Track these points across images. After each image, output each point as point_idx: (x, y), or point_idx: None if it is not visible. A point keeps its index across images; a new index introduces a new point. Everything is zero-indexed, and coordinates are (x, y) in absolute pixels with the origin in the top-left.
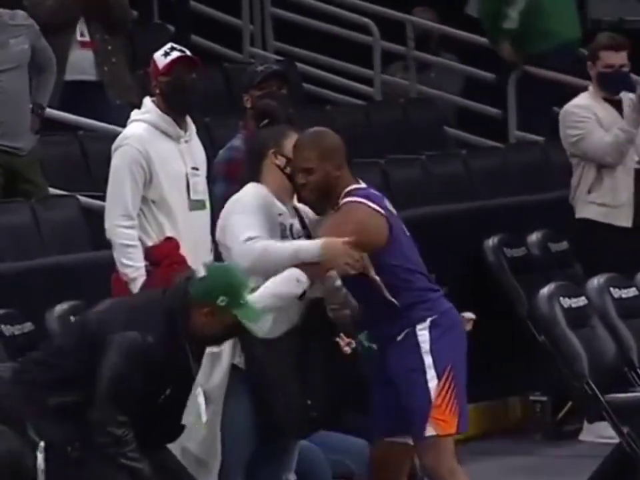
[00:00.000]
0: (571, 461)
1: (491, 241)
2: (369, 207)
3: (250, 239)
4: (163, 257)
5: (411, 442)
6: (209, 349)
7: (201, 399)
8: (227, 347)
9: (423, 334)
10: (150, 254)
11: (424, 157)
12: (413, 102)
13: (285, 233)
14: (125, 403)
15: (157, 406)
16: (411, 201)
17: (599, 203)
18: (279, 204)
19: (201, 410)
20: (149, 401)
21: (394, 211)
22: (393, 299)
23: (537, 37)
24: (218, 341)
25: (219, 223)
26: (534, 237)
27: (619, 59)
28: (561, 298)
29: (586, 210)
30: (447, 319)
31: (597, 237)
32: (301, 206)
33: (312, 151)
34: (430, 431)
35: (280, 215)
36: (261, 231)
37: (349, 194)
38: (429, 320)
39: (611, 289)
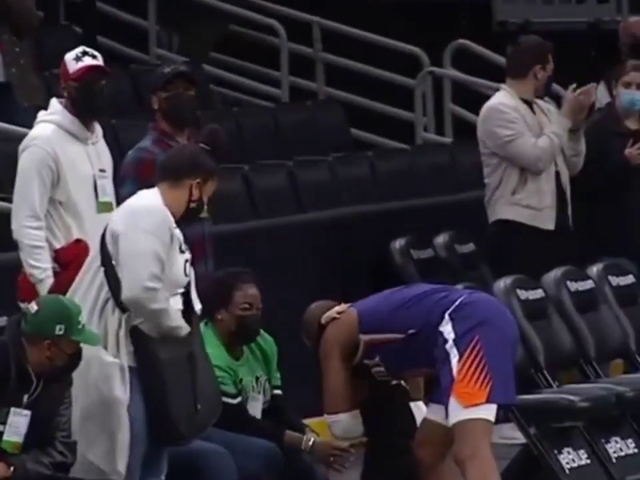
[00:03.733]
0: None
1: (398, 243)
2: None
3: (153, 289)
4: (71, 259)
5: None
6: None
7: None
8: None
9: (446, 328)
10: (58, 256)
11: (330, 159)
12: (320, 104)
13: (182, 247)
14: None
15: None
16: (318, 202)
17: (524, 204)
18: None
19: None
20: None
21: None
22: (410, 332)
23: None
24: (70, 370)
25: (113, 226)
26: (440, 239)
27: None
28: None
29: (509, 211)
30: (465, 302)
31: (519, 238)
32: None
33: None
34: (455, 410)
35: (175, 227)
36: (159, 276)
37: None
38: (446, 315)
39: (517, 290)
